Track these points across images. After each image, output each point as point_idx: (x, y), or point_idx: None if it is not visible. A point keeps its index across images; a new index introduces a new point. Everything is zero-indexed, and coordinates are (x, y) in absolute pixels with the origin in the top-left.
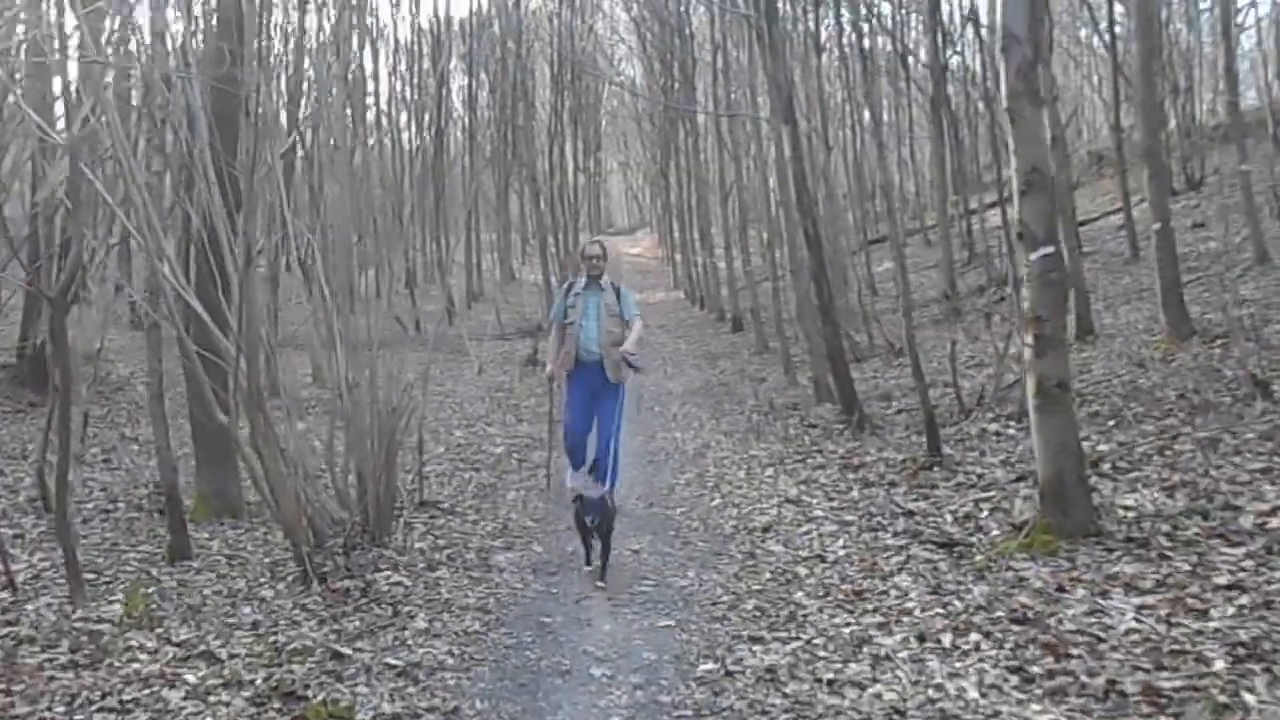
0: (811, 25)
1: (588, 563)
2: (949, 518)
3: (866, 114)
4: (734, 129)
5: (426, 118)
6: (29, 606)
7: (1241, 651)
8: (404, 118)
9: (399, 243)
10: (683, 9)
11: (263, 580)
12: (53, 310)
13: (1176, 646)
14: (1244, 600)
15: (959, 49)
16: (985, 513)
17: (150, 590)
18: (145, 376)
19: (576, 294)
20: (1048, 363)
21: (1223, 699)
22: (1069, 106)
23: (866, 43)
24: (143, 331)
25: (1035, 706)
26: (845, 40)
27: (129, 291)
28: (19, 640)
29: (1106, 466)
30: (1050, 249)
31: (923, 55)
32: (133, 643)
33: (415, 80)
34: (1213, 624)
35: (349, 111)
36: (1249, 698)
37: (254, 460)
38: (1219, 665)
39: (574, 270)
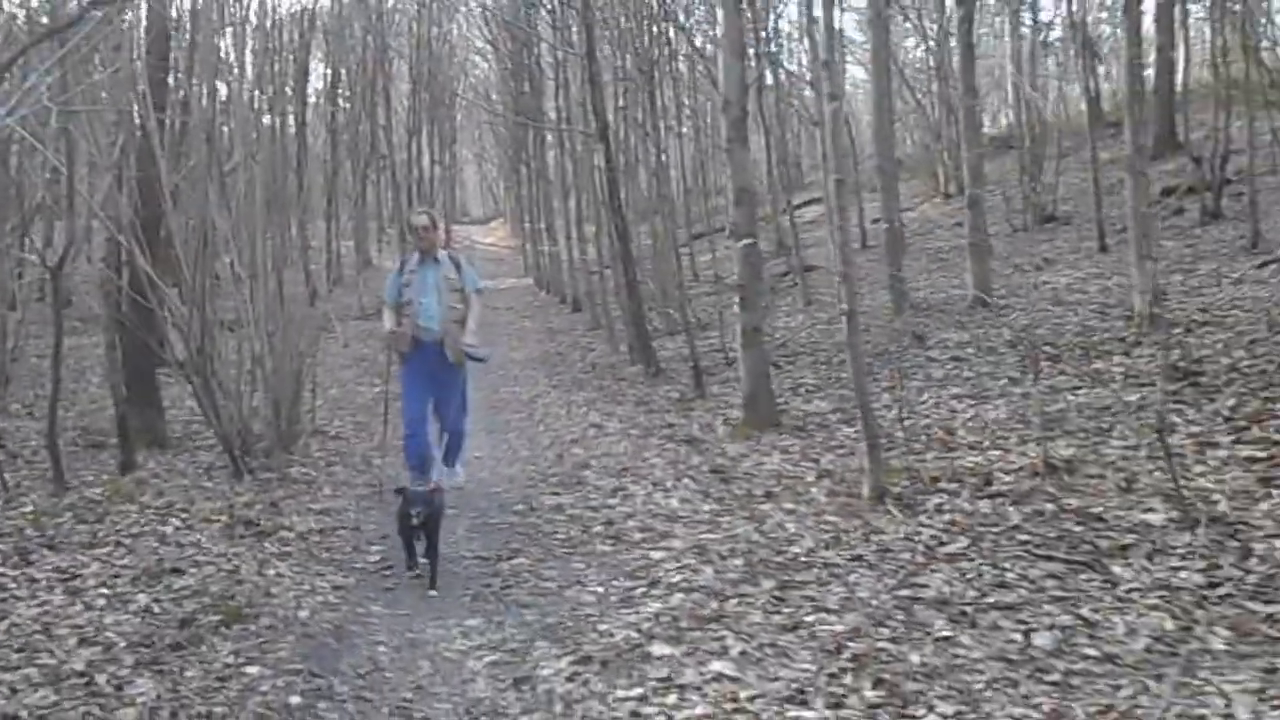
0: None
1: (410, 566)
2: (696, 426)
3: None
4: (572, 136)
5: (288, 108)
6: (24, 499)
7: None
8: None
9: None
10: (530, 28)
11: (202, 477)
12: (54, 279)
13: (795, 476)
14: (839, 449)
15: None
16: (720, 423)
17: (125, 479)
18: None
19: (411, 270)
20: (747, 316)
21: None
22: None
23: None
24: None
25: (705, 507)
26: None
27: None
28: (34, 512)
29: (800, 389)
30: (750, 240)
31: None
32: (121, 509)
33: (276, 68)
34: (823, 463)
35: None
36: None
37: (200, 389)
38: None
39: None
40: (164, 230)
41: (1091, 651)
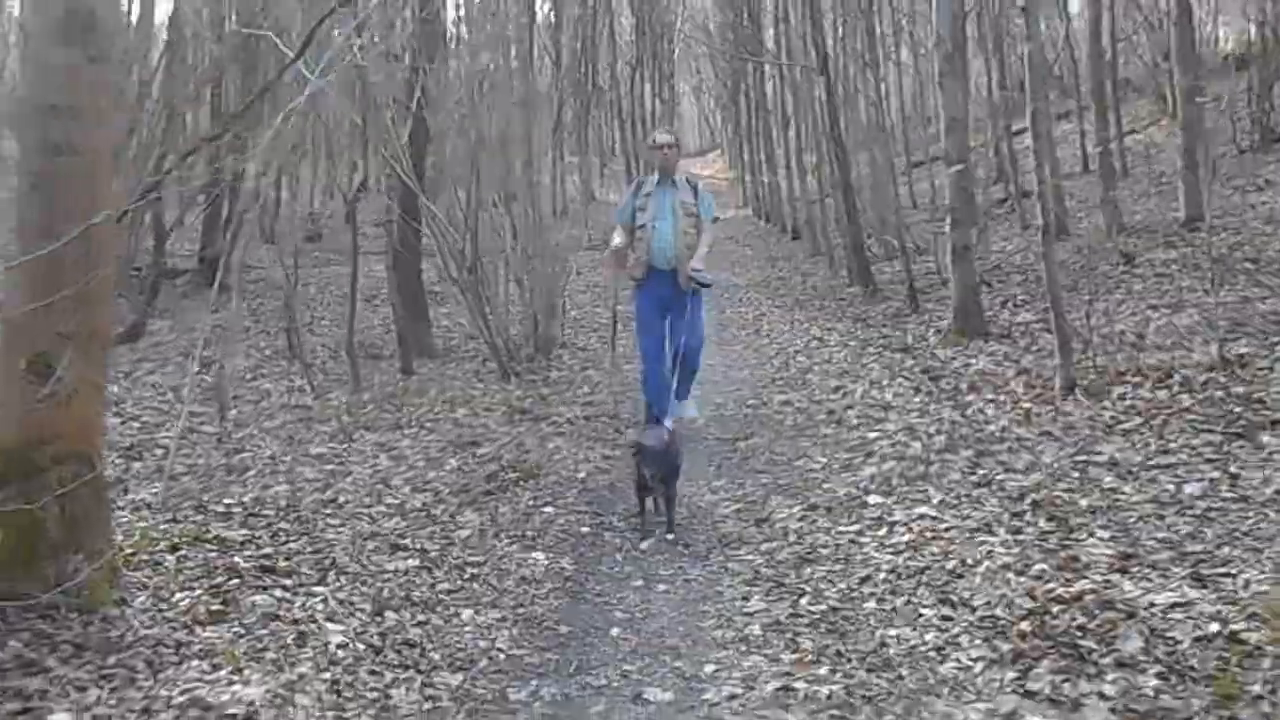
0: None
1: (641, 528)
2: (910, 336)
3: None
4: (793, 69)
5: (514, 49)
6: (329, 396)
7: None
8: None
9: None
10: None
11: (473, 379)
12: (350, 211)
13: (997, 374)
14: (1040, 352)
15: None
16: (932, 333)
17: (409, 379)
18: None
19: (647, 194)
20: (957, 234)
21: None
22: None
23: None
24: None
25: (915, 399)
26: None
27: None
28: (342, 404)
29: (1009, 303)
30: (961, 166)
31: None
32: (414, 401)
33: (496, 10)
34: (1023, 363)
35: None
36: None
37: (473, 304)
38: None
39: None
40: (432, 167)
41: (1229, 494)
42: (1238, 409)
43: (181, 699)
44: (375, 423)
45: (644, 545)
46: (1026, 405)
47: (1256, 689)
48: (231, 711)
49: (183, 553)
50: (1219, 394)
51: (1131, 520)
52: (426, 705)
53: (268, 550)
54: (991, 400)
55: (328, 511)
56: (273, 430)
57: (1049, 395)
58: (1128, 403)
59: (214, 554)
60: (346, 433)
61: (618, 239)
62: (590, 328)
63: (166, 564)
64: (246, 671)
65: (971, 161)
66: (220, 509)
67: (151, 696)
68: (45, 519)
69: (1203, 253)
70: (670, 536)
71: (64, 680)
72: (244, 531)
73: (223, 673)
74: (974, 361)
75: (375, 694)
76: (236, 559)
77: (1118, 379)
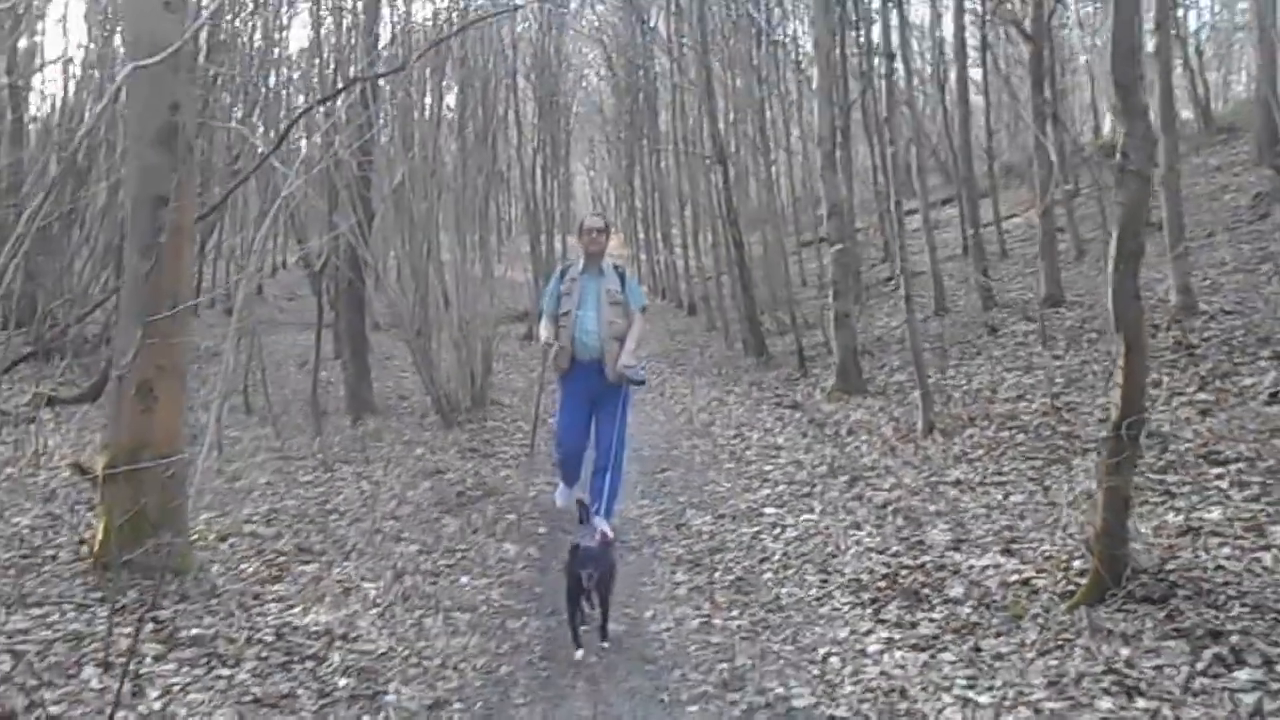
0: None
1: (575, 641)
2: (798, 395)
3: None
4: (689, 153)
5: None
6: (292, 441)
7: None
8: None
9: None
10: (646, 50)
11: (418, 427)
12: (315, 281)
13: (871, 422)
14: (909, 405)
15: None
16: (818, 392)
17: (357, 429)
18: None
19: (572, 279)
20: (839, 304)
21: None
22: None
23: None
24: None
25: (802, 441)
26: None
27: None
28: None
29: (886, 368)
30: (840, 245)
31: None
32: (374, 444)
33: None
34: (894, 413)
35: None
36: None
37: (421, 360)
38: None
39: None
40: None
41: (1042, 500)
42: (1060, 442)
43: (274, 623)
44: (348, 459)
45: (578, 655)
46: (894, 444)
47: (1035, 610)
48: (314, 629)
49: (232, 540)
50: (1046, 432)
51: (967, 518)
52: (449, 629)
53: (296, 540)
54: (865, 440)
55: (333, 517)
56: (258, 464)
57: (912, 436)
58: (974, 440)
59: (256, 541)
60: (327, 465)
61: (545, 331)
62: (509, 390)
63: (222, 548)
64: (314, 609)
65: (857, 241)
66: (244, 516)
67: (252, 624)
68: (147, 502)
69: (1060, 327)
70: (605, 644)
71: (184, 613)
72: (272, 529)
73: (296, 610)
74: (853, 413)
75: (411, 622)
76: (276, 545)
77: (970, 423)
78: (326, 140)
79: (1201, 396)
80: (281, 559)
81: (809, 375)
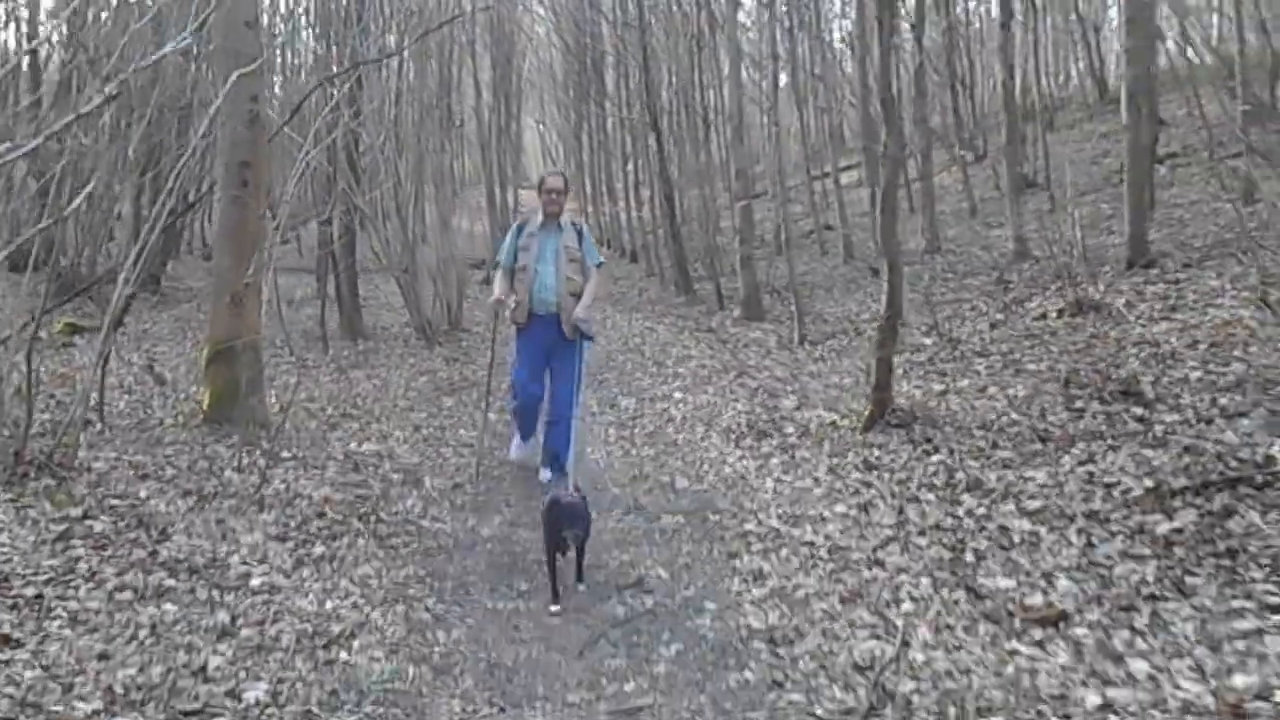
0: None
1: (555, 597)
2: (714, 323)
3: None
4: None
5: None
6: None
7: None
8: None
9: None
10: (594, 21)
11: (407, 348)
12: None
13: (762, 339)
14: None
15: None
16: (729, 321)
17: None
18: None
19: (531, 234)
20: (744, 248)
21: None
22: None
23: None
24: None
25: (709, 352)
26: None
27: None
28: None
29: (786, 301)
30: (744, 201)
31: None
32: (372, 357)
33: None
34: (780, 333)
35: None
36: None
37: (407, 289)
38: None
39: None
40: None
41: (862, 370)
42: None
43: (340, 448)
44: (355, 367)
45: (554, 608)
46: (774, 350)
47: (834, 436)
48: (365, 451)
49: (291, 410)
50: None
51: (809, 391)
52: (455, 453)
53: (339, 411)
54: (755, 350)
55: (359, 400)
56: (283, 371)
57: (789, 345)
58: (831, 347)
59: (308, 412)
60: (342, 370)
61: (498, 287)
62: (474, 320)
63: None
64: (365, 443)
65: (789, 199)
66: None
67: (328, 450)
68: (239, 377)
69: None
70: (582, 586)
71: (278, 445)
72: (316, 404)
73: (353, 443)
74: (751, 334)
75: (431, 450)
76: (325, 413)
77: (831, 336)
78: (334, 114)
79: (999, 316)
80: (332, 419)
81: (725, 309)
